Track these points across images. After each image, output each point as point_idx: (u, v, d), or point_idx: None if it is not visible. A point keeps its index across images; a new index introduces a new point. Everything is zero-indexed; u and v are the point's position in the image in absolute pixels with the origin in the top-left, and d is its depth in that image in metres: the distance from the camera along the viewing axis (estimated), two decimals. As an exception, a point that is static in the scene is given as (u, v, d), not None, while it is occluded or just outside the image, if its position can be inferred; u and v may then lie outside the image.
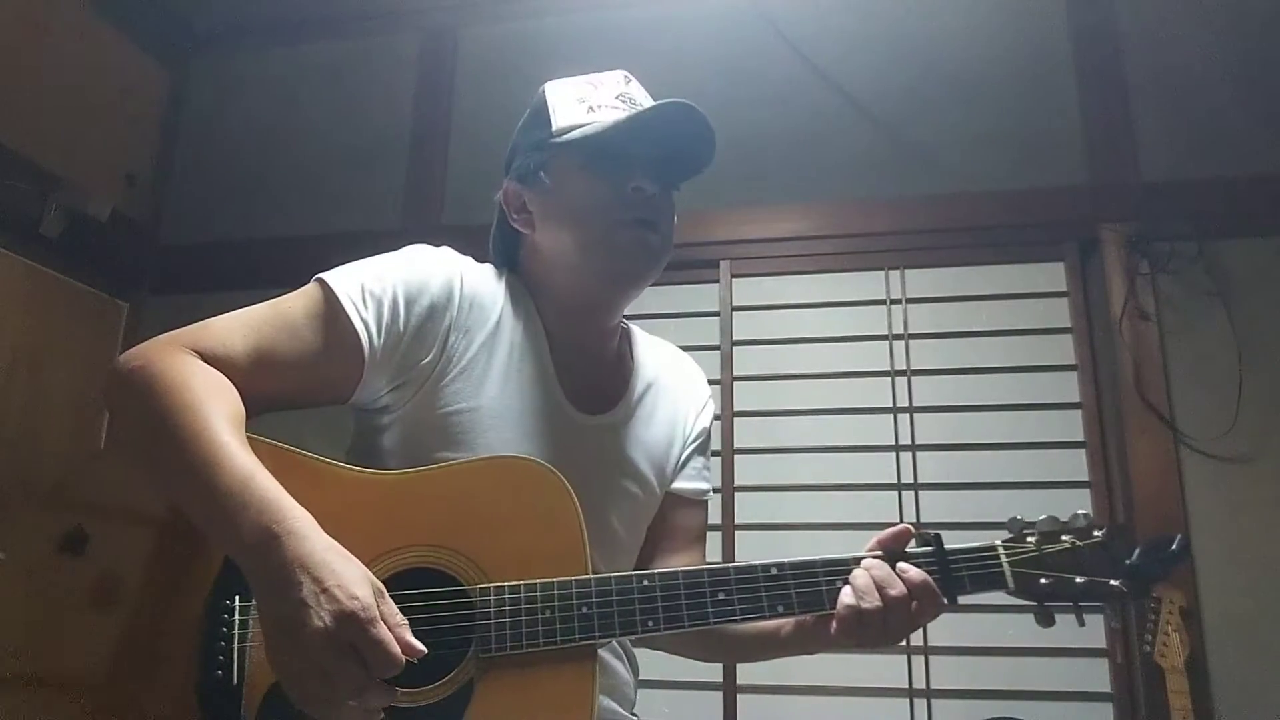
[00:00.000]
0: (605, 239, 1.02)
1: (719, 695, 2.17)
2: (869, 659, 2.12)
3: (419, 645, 0.77)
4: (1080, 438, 2.19)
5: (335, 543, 0.79)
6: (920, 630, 2.08)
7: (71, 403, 2.48)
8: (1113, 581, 0.91)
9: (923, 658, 2.12)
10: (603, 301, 1.07)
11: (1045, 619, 0.92)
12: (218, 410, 0.85)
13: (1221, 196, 2.22)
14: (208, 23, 2.95)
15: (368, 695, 0.74)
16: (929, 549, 0.93)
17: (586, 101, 1.04)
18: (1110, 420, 2.18)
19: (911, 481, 2.23)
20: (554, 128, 1.03)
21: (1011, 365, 2.26)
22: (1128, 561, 0.91)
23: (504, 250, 1.13)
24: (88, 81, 2.61)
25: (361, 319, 0.94)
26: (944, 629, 2.12)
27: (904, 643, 2.11)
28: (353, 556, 0.79)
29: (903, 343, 2.34)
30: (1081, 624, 0.92)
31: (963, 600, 0.92)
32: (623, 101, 1.04)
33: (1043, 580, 0.92)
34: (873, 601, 0.89)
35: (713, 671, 2.18)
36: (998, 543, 0.94)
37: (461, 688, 0.84)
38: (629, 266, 1.04)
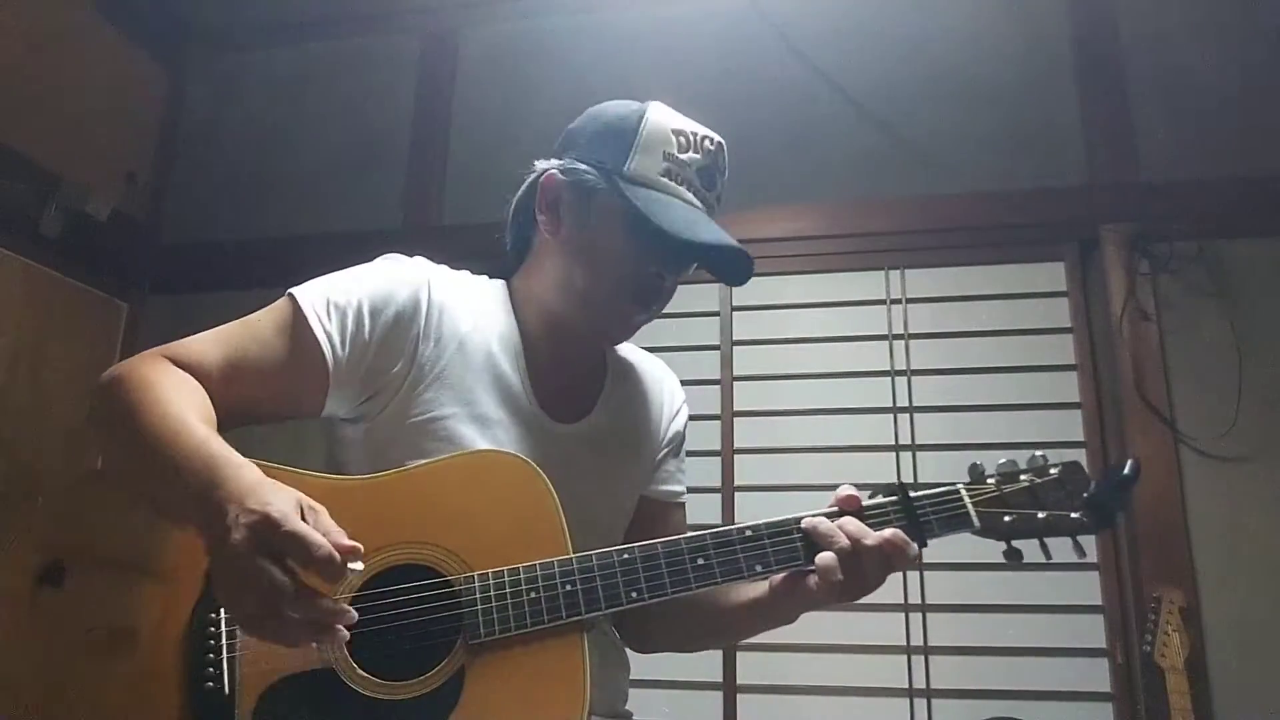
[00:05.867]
0: (604, 299, 1.03)
1: (719, 695, 2.17)
2: (869, 659, 2.12)
3: (350, 542, 0.76)
4: (1080, 438, 2.19)
5: (272, 480, 0.80)
6: (920, 630, 2.11)
7: (71, 403, 2.48)
8: (1073, 514, 0.95)
9: (923, 658, 2.12)
10: (579, 334, 1.08)
11: (1014, 556, 0.95)
12: (183, 401, 0.88)
13: (1221, 196, 2.22)
14: (208, 23, 2.95)
15: (299, 602, 0.74)
16: (894, 499, 0.96)
17: (670, 162, 1.01)
18: (1110, 420, 2.18)
19: (912, 481, 2.23)
20: (627, 167, 1.01)
21: (1011, 365, 2.26)
22: (1085, 494, 0.95)
23: (519, 233, 1.12)
24: (88, 81, 2.61)
25: (324, 330, 0.96)
26: (944, 629, 2.12)
27: (904, 642, 2.12)
28: (287, 487, 0.80)
29: (903, 343, 2.34)
30: (1048, 557, 0.95)
31: (934, 543, 0.95)
32: (702, 179, 1.03)
33: (1006, 518, 0.95)
34: (848, 552, 0.91)
35: (713, 671, 2.18)
36: (959, 485, 0.97)
37: (453, 675, 0.85)
38: (610, 331, 1.08)
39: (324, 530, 0.76)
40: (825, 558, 0.91)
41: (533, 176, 1.08)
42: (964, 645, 2.11)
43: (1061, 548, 0.96)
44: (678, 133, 1.02)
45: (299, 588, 0.74)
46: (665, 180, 1.01)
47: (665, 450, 1.19)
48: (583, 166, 1.03)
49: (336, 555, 0.74)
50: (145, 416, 0.85)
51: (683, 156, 1.02)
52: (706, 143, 1.04)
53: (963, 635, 2.11)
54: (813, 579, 0.93)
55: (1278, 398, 2.08)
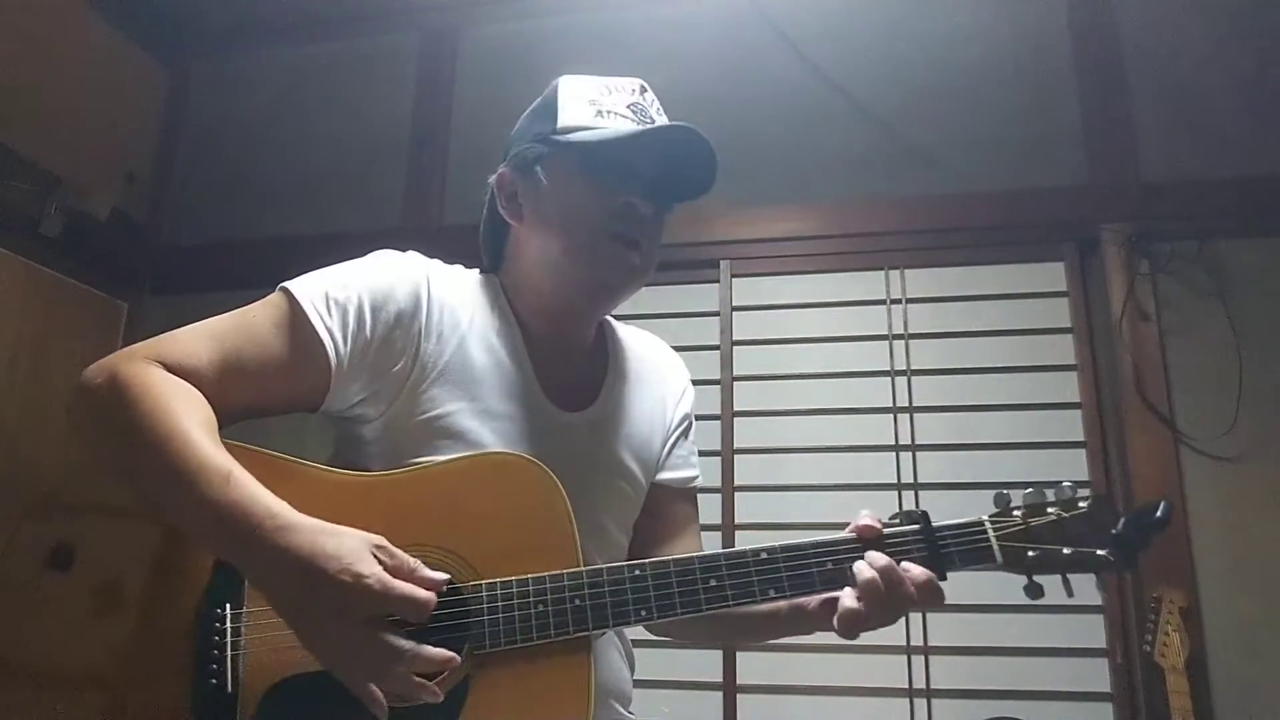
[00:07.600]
0: (588, 247, 1.01)
1: (719, 695, 2.17)
2: (869, 659, 2.12)
3: (439, 575, 0.81)
4: (1080, 438, 2.19)
5: (320, 522, 0.80)
6: (920, 630, 2.10)
7: (71, 403, 2.47)
8: (1099, 551, 0.91)
9: (923, 658, 2.12)
10: (578, 307, 1.07)
11: (1034, 591, 0.92)
12: (189, 416, 0.85)
13: (1221, 196, 2.21)
14: (208, 23, 2.95)
15: (418, 659, 0.78)
16: (916, 527, 0.93)
17: (597, 104, 1.02)
18: (1110, 420, 2.18)
19: (911, 481, 2.23)
20: (558, 124, 1.02)
21: (1011, 365, 2.26)
22: (1114, 531, 0.91)
23: (492, 239, 1.13)
24: (88, 81, 2.61)
25: (326, 327, 0.94)
26: (944, 629, 2.12)
27: (904, 642, 2.12)
28: (340, 528, 0.80)
29: (903, 343, 2.34)
30: (1070, 594, 0.92)
31: (953, 575, 0.92)
32: (634, 112, 1.03)
33: (1030, 553, 0.92)
34: (877, 601, 0.89)
35: (713, 671, 2.18)
36: (984, 518, 0.94)
37: (457, 685, 0.84)
38: (607, 278, 1.04)
39: (405, 568, 0.79)
40: (849, 602, 0.89)
41: (488, 192, 1.11)
42: (964, 645, 2.11)
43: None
44: (594, 83, 1.05)
45: (414, 648, 0.78)
46: (598, 118, 1.02)
47: (675, 434, 1.17)
48: (522, 148, 1.06)
49: (434, 599, 0.78)
50: (148, 433, 0.83)
51: (609, 98, 1.03)
52: (628, 84, 1.05)
53: (963, 635, 2.11)
54: (843, 604, 0.90)
55: (1278, 398, 2.08)
